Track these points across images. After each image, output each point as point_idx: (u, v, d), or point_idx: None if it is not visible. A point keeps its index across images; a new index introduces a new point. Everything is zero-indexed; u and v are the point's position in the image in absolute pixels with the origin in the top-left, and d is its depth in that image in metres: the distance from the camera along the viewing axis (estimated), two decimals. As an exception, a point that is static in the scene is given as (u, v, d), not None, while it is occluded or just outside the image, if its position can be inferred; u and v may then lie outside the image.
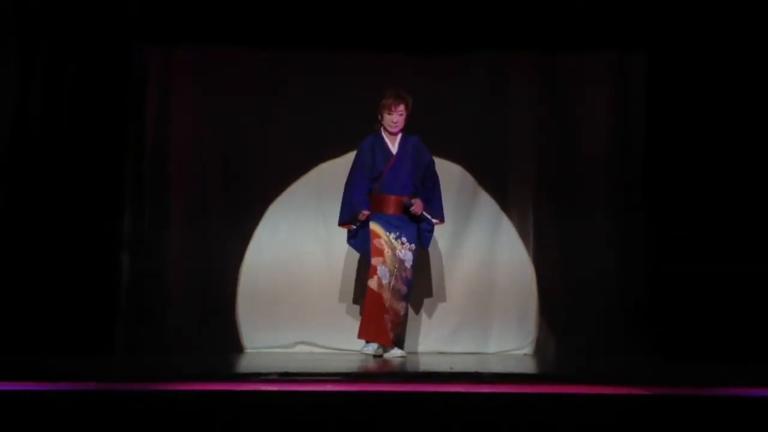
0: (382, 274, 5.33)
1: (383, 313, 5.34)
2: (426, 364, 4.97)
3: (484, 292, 5.91)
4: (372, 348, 5.39)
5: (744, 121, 5.58)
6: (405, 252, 5.40)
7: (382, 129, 5.52)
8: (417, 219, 5.47)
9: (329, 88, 5.93)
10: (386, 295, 5.35)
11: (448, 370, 4.47)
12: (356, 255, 5.81)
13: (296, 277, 5.88)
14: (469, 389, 3.64)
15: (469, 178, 5.95)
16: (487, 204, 5.95)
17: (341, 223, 5.54)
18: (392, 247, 5.39)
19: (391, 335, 5.38)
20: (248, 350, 5.73)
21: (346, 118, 5.85)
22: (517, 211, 5.96)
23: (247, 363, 5.03)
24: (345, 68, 5.96)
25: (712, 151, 5.62)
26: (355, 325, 5.76)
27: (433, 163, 5.56)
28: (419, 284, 5.78)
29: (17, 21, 5.50)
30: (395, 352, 5.38)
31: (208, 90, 5.91)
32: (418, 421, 3.38)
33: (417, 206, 5.44)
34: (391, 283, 5.35)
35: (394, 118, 5.45)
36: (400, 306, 5.41)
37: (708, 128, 5.62)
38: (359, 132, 5.77)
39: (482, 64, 5.99)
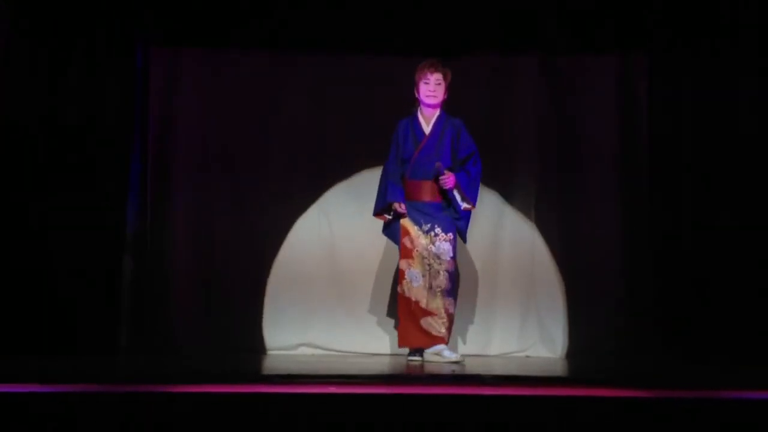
0: (412, 277, 5.15)
1: (419, 317, 5.13)
2: (428, 366, 4.97)
3: (486, 294, 5.91)
4: (418, 356, 5.19)
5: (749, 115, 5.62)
6: (440, 243, 5.16)
7: (419, 109, 5.33)
8: (448, 202, 5.22)
9: (332, 90, 5.93)
10: (421, 297, 5.15)
11: (450, 372, 4.48)
12: (362, 255, 5.85)
13: (299, 279, 5.87)
14: (471, 392, 3.64)
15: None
16: (490, 204, 5.96)
17: (375, 214, 5.35)
18: (423, 243, 5.16)
19: (441, 333, 5.11)
20: (251, 352, 5.72)
21: (349, 119, 5.87)
22: (520, 211, 5.96)
23: (249, 365, 5.03)
24: (348, 70, 5.96)
25: (715, 145, 5.64)
26: (357, 326, 5.80)
27: (475, 153, 5.30)
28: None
29: (23, 19, 5.52)
30: (448, 355, 5.10)
31: (212, 91, 5.92)
32: (420, 424, 3.38)
33: (448, 180, 5.15)
34: (428, 283, 5.14)
35: (431, 88, 5.23)
36: (445, 303, 5.15)
37: (710, 122, 5.64)
38: (361, 131, 5.80)
39: (485, 66, 6.00)
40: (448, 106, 5.41)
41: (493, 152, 5.95)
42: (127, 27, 5.67)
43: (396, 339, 5.37)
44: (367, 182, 5.80)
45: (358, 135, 5.86)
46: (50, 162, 5.50)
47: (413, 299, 5.17)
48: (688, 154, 5.70)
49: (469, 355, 5.59)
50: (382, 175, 5.37)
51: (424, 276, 5.16)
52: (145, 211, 5.77)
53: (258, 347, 5.77)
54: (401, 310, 5.22)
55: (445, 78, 5.28)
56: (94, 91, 5.58)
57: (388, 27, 5.81)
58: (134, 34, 5.71)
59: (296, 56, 5.95)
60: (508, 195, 5.97)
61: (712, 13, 5.68)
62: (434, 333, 5.13)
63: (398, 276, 5.25)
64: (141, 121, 5.79)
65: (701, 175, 5.66)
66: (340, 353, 5.75)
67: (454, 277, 5.25)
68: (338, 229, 5.90)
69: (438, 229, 5.19)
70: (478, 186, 5.37)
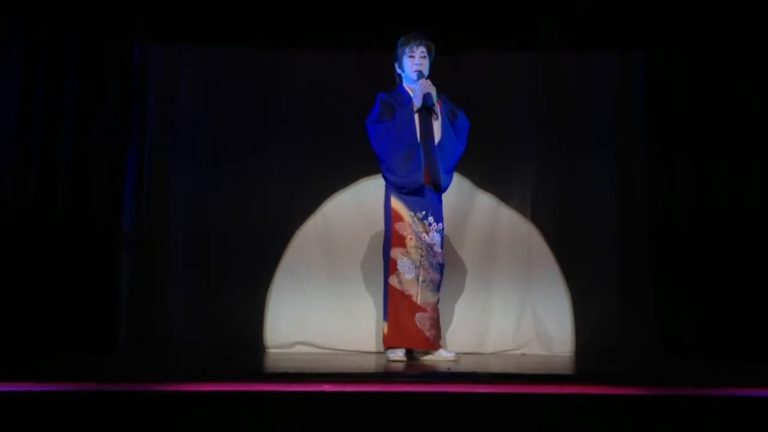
0: (405, 268, 4.82)
1: (413, 313, 4.82)
2: (423, 364, 4.97)
3: (481, 291, 5.92)
4: (401, 353, 4.87)
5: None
6: (433, 234, 4.85)
7: (403, 86, 5.07)
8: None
9: (331, 87, 5.96)
10: (414, 291, 4.83)
11: (446, 370, 4.48)
12: (358, 252, 5.84)
13: (296, 277, 5.88)
14: (466, 389, 3.65)
15: (465, 180, 5.96)
16: (486, 204, 5.97)
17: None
18: (417, 231, 4.84)
19: (432, 333, 4.85)
20: (248, 349, 5.72)
21: (348, 116, 5.87)
22: (516, 208, 5.99)
23: (246, 362, 5.03)
24: (347, 67, 5.98)
25: (714, 140, 5.67)
26: (353, 325, 5.79)
27: (467, 125, 5.05)
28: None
29: (19, 17, 5.52)
30: (444, 354, 4.90)
31: (209, 89, 5.93)
32: (416, 422, 3.39)
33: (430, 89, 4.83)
34: (419, 276, 4.82)
35: (417, 61, 4.94)
36: (436, 298, 4.89)
37: (708, 118, 5.69)
38: (359, 126, 5.80)
39: (483, 63, 6.02)
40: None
41: (491, 149, 5.97)
42: (125, 24, 5.68)
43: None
44: (366, 180, 5.83)
45: (359, 133, 5.86)
46: (47, 159, 5.50)
47: (408, 292, 4.85)
48: (686, 150, 5.73)
49: (464, 353, 5.59)
50: (375, 128, 5.01)
51: (417, 267, 4.84)
52: (142, 208, 5.79)
53: (255, 345, 5.77)
54: (393, 305, 4.84)
55: (429, 51, 5.01)
56: (92, 89, 5.58)
57: (388, 26, 5.81)
58: (132, 31, 5.72)
59: (294, 54, 5.97)
60: (505, 192, 6.00)
61: (708, 8, 5.71)
62: (427, 334, 4.87)
63: (388, 266, 4.87)
64: (138, 119, 5.79)
65: (700, 172, 5.69)
66: (335, 351, 5.75)
67: (443, 270, 5.00)
68: (335, 227, 5.91)
69: (431, 218, 4.90)
70: (458, 130, 5.05)
